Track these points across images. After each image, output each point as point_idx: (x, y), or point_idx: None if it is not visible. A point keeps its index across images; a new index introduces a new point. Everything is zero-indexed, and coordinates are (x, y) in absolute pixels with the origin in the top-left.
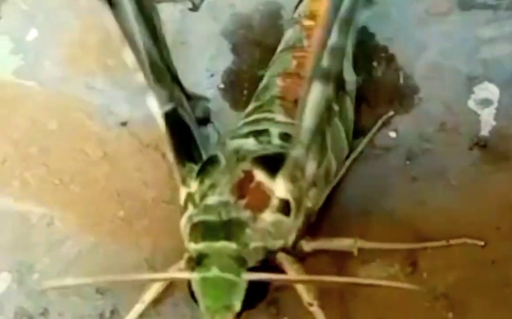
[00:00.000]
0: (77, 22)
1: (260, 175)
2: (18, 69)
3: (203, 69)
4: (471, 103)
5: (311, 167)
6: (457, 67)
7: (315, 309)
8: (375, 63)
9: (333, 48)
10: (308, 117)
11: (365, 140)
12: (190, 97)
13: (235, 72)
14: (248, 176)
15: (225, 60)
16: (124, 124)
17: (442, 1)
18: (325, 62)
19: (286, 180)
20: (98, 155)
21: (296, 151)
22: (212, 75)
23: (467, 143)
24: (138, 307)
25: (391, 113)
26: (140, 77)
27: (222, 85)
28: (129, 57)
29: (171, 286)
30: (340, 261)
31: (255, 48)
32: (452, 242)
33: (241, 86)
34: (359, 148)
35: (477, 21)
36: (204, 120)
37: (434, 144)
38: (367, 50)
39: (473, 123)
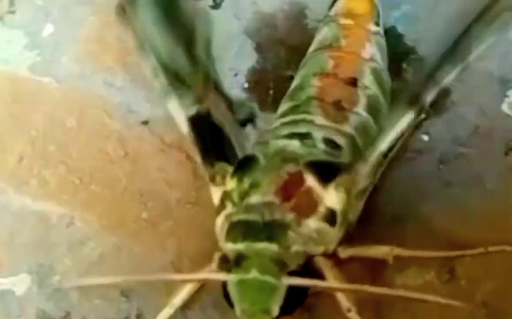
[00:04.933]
0: (93, 18)
1: (311, 180)
2: (34, 65)
3: (227, 68)
4: (505, 107)
5: (363, 181)
6: (489, 70)
7: (354, 316)
8: (404, 65)
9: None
10: (387, 141)
11: (398, 144)
12: (230, 101)
13: (259, 71)
14: (297, 179)
15: (249, 59)
16: (145, 123)
17: (471, 2)
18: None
19: (340, 191)
20: (119, 155)
21: (361, 168)
22: (236, 75)
23: (503, 148)
24: (167, 311)
25: (422, 116)
26: (159, 84)
27: (246, 85)
28: (147, 65)
29: (200, 289)
30: (374, 267)
31: (279, 47)
32: (490, 249)
33: (266, 86)
34: (392, 153)
35: (508, 24)
36: (246, 121)
37: (468, 148)
38: (396, 52)
39: (507, 127)
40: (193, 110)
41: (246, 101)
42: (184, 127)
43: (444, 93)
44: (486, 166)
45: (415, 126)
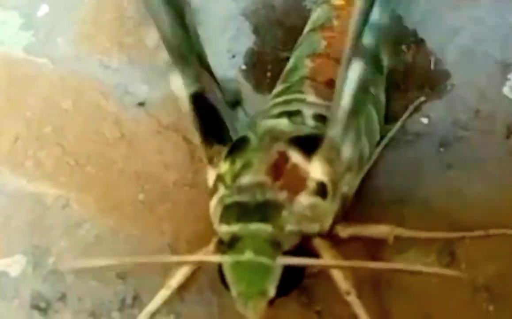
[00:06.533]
0: None
1: (295, 156)
2: (29, 46)
3: (224, 50)
4: (506, 90)
5: (347, 149)
6: (490, 53)
7: (353, 298)
8: (403, 47)
9: (374, 25)
10: (346, 97)
11: (397, 125)
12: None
13: (257, 53)
14: (283, 157)
15: (247, 41)
16: (141, 104)
17: None
18: (365, 40)
19: (323, 162)
20: (115, 136)
21: (333, 132)
22: (233, 57)
23: (504, 131)
24: (163, 293)
25: (422, 98)
26: (162, 57)
27: (244, 67)
28: (151, 36)
29: (197, 271)
30: (373, 250)
31: (277, 28)
32: (491, 232)
33: (264, 67)
34: (391, 133)
35: (509, 7)
36: (235, 103)
37: (468, 131)
38: (394, 33)
39: (508, 110)
40: (194, 88)
41: (232, 81)
42: (185, 105)
43: (445, 76)
44: (486, 149)
45: (415, 109)
